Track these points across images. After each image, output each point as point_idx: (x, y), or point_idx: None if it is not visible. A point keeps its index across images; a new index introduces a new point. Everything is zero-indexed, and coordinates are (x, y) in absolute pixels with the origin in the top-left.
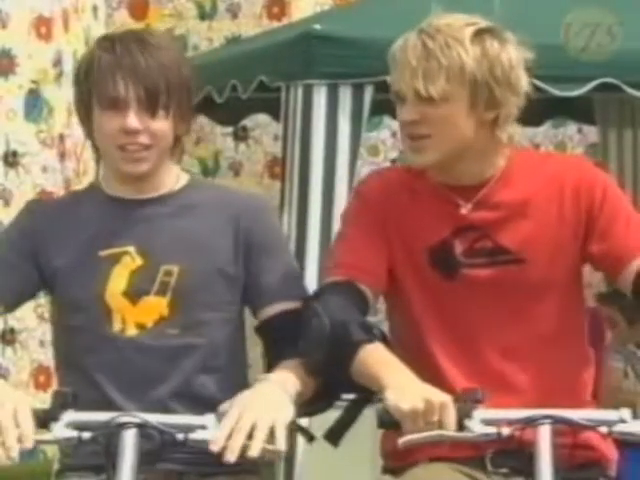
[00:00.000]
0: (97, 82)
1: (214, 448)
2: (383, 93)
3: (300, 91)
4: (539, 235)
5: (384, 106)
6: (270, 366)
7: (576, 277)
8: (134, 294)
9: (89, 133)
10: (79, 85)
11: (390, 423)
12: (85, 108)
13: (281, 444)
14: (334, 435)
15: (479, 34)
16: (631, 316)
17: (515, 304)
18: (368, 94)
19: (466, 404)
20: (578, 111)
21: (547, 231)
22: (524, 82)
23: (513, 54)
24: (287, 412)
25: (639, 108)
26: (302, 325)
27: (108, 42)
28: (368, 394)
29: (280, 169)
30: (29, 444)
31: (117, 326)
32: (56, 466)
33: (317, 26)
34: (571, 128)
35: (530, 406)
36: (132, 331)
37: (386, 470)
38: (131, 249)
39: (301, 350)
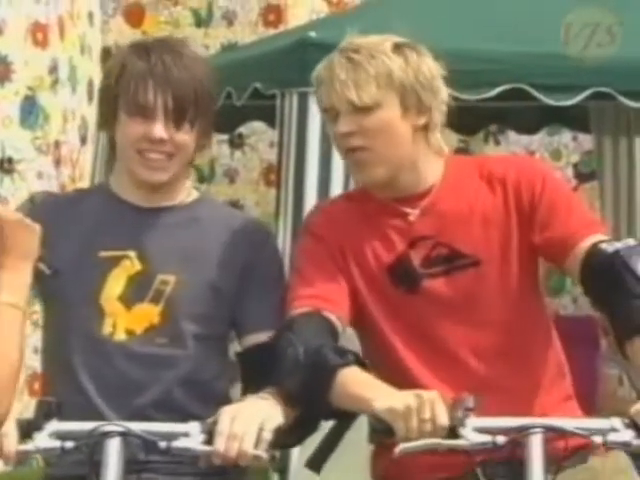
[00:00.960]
0: (127, 88)
1: (217, 462)
2: None
3: (295, 98)
4: (488, 235)
5: None
6: (244, 393)
7: (531, 272)
8: (129, 299)
9: (111, 137)
10: (108, 89)
11: (382, 432)
12: (111, 112)
13: (262, 449)
14: (316, 462)
15: (398, 47)
16: None
17: (477, 307)
18: None
19: (459, 412)
20: (573, 119)
21: (496, 231)
22: (444, 93)
23: (431, 64)
24: (274, 418)
25: (634, 116)
26: (277, 356)
27: (142, 49)
28: (348, 419)
29: (275, 176)
30: (11, 455)
31: (107, 329)
32: (40, 477)
33: (312, 33)
34: (566, 136)
35: (510, 407)
36: (121, 336)
37: None
38: (132, 254)
39: (275, 380)
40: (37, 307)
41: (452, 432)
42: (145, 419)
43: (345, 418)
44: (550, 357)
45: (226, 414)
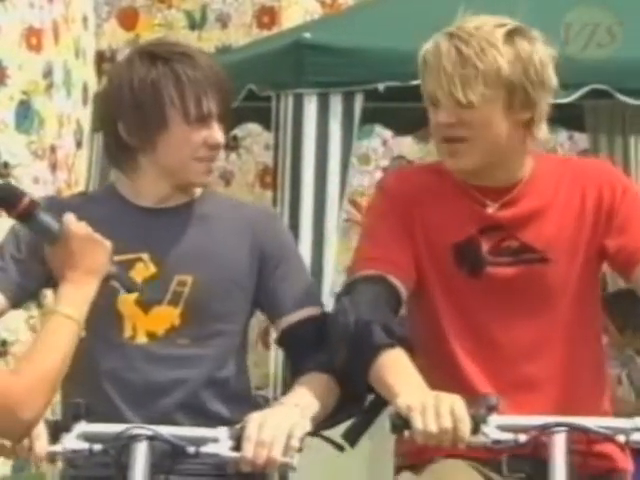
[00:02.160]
0: (183, 96)
1: (246, 468)
2: (373, 101)
3: (290, 100)
4: (561, 235)
5: (375, 114)
6: (293, 376)
7: (594, 276)
8: (146, 303)
9: (145, 148)
10: (143, 100)
11: (402, 426)
12: (156, 122)
13: (292, 457)
14: (352, 435)
15: (510, 35)
16: (621, 323)
17: (537, 303)
18: (358, 102)
19: (481, 410)
20: (569, 118)
21: (568, 231)
22: (554, 80)
23: (543, 53)
24: (302, 425)
25: (629, 115)
26: (329, 320)
27: (183, 56)
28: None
29: (271, 178)
30: (42, 454)
31: (127, 333)
32: (57, 478)
33: (307, 35)
34: (562, 135)
35: (552, 406)
36: (142, 339)
37: (400, 468)
38: (145, 256)
39: (325, 351)
40: (35, 312)
41: (474, 429)
42: (169, 421)
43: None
44: (597, 367)
45: (254, 421)
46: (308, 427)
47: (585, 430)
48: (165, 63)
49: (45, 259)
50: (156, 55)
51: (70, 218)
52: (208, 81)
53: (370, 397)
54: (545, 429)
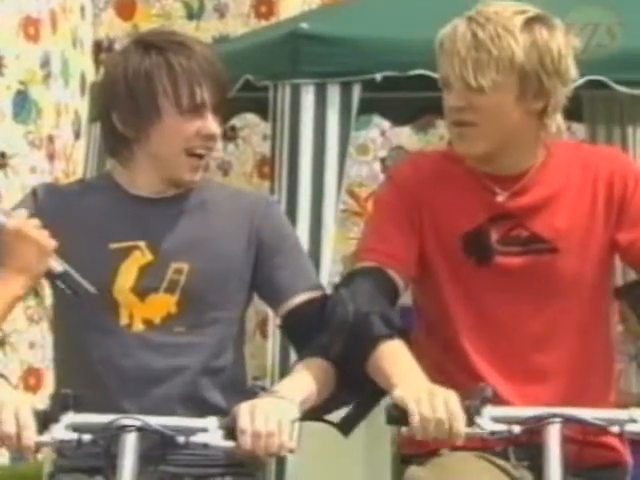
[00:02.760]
0: (176, 86)
1: (241, 456)
2: (371, 92)
3: (288, 90)
4: (572, 225)
5: (373, 104)
6: (299, 359)
7: (606, 268)
8: (142, 290)
9: (137, 138)
10: (136, 90)
11: (398, 418)
12: (147, 112)
13: (292, 442)
14: (347, 424)
15: (529, 23)
16: None
17: (547, 294)
18: (356, 93)
19: (475, 401)
20: (566, 108)
21: (580, 221)
22: (573, 71)
23: (562, 42)
24: (291, 411)
25: (627, 105)
26: (327, 310)
27: (179, 45)
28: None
29: (269, 169)
30: (30, 444)
31: (124, 321)
32: (48, 468)
33: (304, 25)
34: None
35: (560, 397)
36: (139, 326)
37: (404, 459)
38: (142, 244)
39: (323, 337)
40: (32, 302)
41: (469, 420)
42: (165, 409)
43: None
44: (606, 359)
45: (244, 411)
46: (296, 413)
47: (579, 421)
48: (159, 53)
49: None
50: (151, 45)
51: (19, 213)
52: (202, 71)
53: (367, 387)
54: (539, 420)
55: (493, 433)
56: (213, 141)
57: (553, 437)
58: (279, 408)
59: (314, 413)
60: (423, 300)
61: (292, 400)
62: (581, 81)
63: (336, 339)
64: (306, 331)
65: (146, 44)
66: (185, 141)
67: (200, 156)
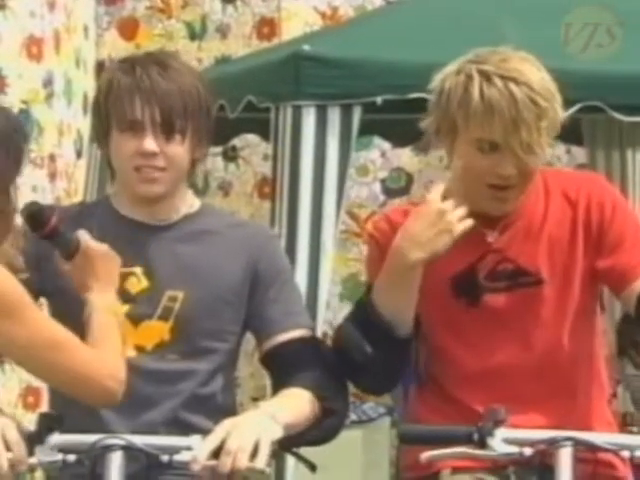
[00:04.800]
0: (115, 104)
1: (195, 467)
2: (372, 113)
3: (289, 112)
4: (554, 255)
5: (373, 126)
6: (275, 393)
7: (590, 297)
8: (136, 317)
9: (105, 154)
10: (98, 106)
11: (411, 438)
12: (103, 130)
13: (261, 462)
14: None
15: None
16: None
17: (536, 326)
18: (357, 115)
19: (489, 423)
20: (566, 132)
21: (561, 251)
22: (556, 113)
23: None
24: (272, 431)
25: (626, 129)
26: (341, 358)
27: (128, 64)
28: None
29: (269, 189)
30: (24, 467)
31: None
32: None
33: (306, 47)
34: (560, 149)
35: (554, 423)
36: (131, 353)
37: None
38: (138, 270)
39: (313, 374)
40: None
41: (481, 442)
42: (153, 433)
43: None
44: (595, 382)
45: (221, 428)
46: (280, 433)
47: (591, 445)
48: (125, 72)
49: (42, 270)
50: (118, 63)
51: (85, 235)
52: (145, 88)
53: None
54: (552, 443)
55: (505, 455)
56: (153, 158)
57: (565, 460)
58: (261, 426)
59: (290, 443)
60: (416, 341)
61: (277, 419)
62: (577, 107)
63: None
64: (288, 367)
65: (130, 63)
66: (127, 158)
67: (149, 168)
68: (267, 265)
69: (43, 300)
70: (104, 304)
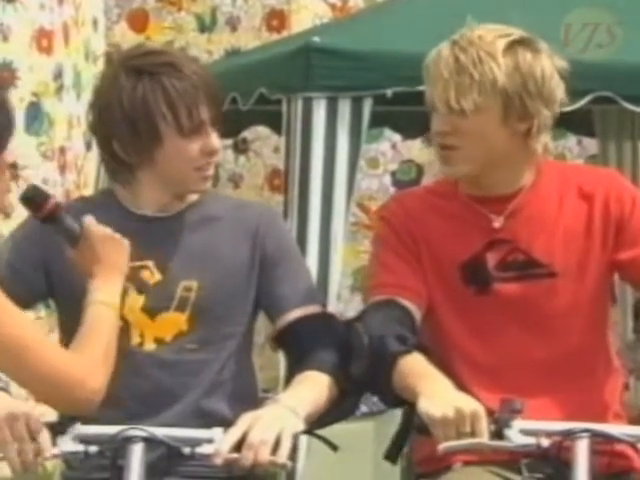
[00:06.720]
0: (174, 109)
1: (217, 461)
2: (382, 105)
3: (300, 104)
4: (569, 248)
5: (384, 118)
6: (291, 374)
7: (604, 290)
8: (153, 310)
9: (137, 163)
10: (134, 117)
11: (427, 429)
12: (147, 138)
13: (283, 456)
14: (392, 453)
15: (512, 46)
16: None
17: (547, 317)
18: (367, 107)
19: (505, 414)
20: (578, 123)
21: (576, 244)
22: (559, 92)
23: (547, 65)
24: (294, 425)
25: (638, 120)
26: (345, 347)
27: (169, 67)
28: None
29: (280, 181)
30: (48, 456)
31: (135, 340)
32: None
33: (316, 39)
34: (571, 140)
35: (566, 414)
36: (151, 345)
37: (419, 476)
38: (150, 263)
39: (325, 354)
40: (43, 313)
41: (497, 433)
42: (180, 426)
43: (412, 405)
44: (607, 375)
45: (243, 422)
46: (301, 426)
47: (608, 436)
48: (151, 77)
49: (49, 270)
50: (141, 69)
51: (91, 220)
52: (196, 90)
53: (403, 408)
54: (569, 435)
55: (522, 446)
56: (216, 156)
57: (581, 451)
58: (282, 420)
59: (310, 427)
60: (423, 329)
61: (298, 412)
62: (589, 97)
63: (358, 368)
64: (303, 345)
65: (137, 69)
66: (190, 161)
67: (209, 166)
68: (274, 243)
69: (51, 302)
70: (103, 296)
